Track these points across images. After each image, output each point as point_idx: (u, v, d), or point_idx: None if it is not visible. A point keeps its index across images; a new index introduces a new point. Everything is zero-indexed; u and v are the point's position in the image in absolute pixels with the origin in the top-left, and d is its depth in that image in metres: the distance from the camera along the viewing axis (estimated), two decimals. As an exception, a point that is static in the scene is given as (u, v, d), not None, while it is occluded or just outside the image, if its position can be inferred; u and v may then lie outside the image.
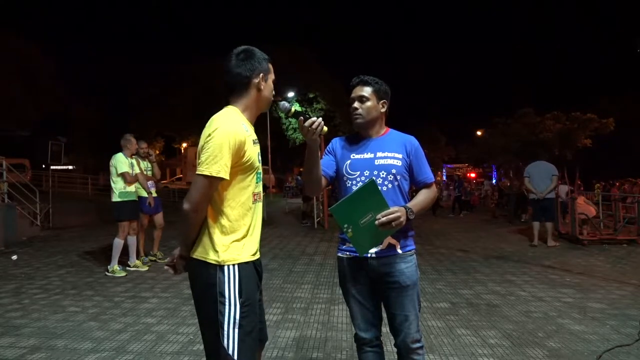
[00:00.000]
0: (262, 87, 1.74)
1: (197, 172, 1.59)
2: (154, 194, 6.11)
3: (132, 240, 5.68)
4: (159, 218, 6.16)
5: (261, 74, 1.73)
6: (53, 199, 10.80)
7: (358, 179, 1.96)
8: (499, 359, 3.01)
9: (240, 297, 1.61)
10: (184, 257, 1.72)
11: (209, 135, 1.60)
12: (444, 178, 34.08)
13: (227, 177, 1.60)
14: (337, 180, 2.07)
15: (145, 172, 5.99)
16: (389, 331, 2.07)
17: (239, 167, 1.65)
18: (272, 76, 1.80)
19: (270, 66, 1.80)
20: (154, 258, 6.11)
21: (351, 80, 2.07)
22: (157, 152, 7.01)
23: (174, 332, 3.50)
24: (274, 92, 1.83)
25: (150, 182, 6.03)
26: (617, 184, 20.36)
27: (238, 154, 1.61)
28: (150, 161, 6.17)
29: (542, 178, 7.68)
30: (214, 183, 1.59)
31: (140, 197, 5.86)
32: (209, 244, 1.64)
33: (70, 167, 23.72)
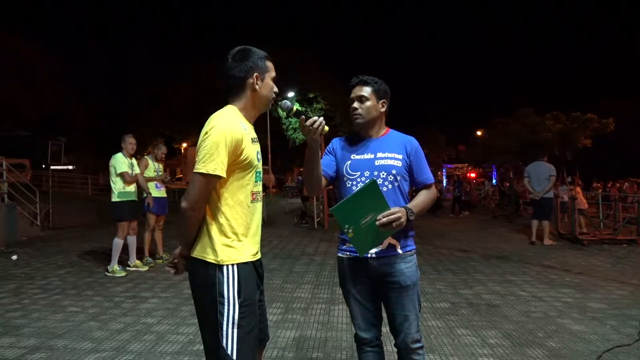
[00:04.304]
0: (257, 87, 1.72)
1: (194, 171, 1.59)
2: (164, 195, 6.18)
3: (132, 240, 5.68)
4: (160, 219, 6.17)
5: (256, 74, 1.71)
6: (53, 199, 10.79)
7: (358, 180, 1.96)
8: (499, 359, 3.01)
9: (239, 297, 1.61)
10: (185, 256, 1.73)
11: (206, 133, 1.61)
12: (444, 179, 33.99)
13: (223, 175, 1.60)
14: (337, 180, 2.06)
15: (156, 173, 6.08)
16: (389, 331, 2.08)
17: (237, 165, 1.64)
18: (271, 74, 1.77)
19: (269, 64, 1.77)
20: (161, 260, 6.10)
21: (351, 80, 2.07)
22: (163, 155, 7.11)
23: (174, 332, 3.50)
24: (276, 90, 1.81)
25: (158, 183, 6.12)
26: (618, 184, 20.33)
27: (235, 152, 1.61)
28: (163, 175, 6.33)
29: (540, 178, 7.85)
30: (211, 181, 1.60)
31: (156, 198, 5.93)
32: (208, 243, 1.65)
33: (70, 167, 23.69)
